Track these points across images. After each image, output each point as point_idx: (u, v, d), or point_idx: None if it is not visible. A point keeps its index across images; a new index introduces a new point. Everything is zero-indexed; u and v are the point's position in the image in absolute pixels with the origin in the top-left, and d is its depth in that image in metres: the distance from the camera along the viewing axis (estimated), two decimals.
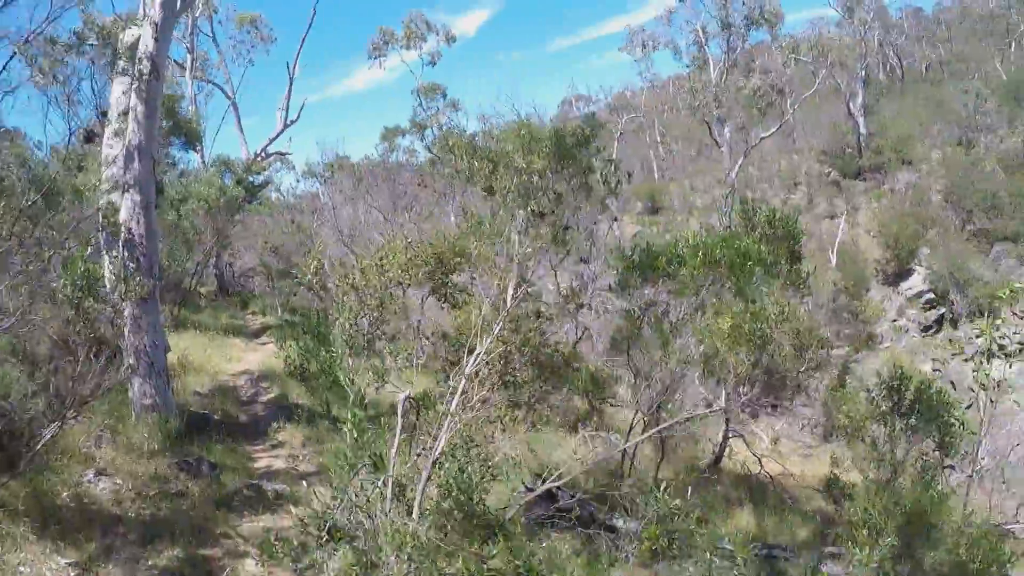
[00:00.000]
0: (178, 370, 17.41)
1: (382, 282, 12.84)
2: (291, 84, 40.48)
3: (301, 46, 41.68)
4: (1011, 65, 57.83)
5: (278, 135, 40.68)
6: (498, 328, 10.38)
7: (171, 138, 26.42)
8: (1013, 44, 62.80)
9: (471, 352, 10.17)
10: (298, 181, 46.14)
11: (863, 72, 51.24)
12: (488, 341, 10.07)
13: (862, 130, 50.46)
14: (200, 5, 41.18)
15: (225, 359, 21.46)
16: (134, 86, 13.56)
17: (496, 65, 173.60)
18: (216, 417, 15.73)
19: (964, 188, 43.16)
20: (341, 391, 18.19)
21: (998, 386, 12.12)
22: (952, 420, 14.95)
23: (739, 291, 13.22)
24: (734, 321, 11.89)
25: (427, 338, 15.73)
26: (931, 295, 42.24)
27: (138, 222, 13.45)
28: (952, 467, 16.97)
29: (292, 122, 40.85)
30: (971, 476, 16.05)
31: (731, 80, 38.59)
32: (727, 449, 19.17)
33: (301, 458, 14.71)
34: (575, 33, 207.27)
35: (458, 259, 13.89)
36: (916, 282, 42.90)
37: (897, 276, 43.72)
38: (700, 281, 13.75)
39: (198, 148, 26.74)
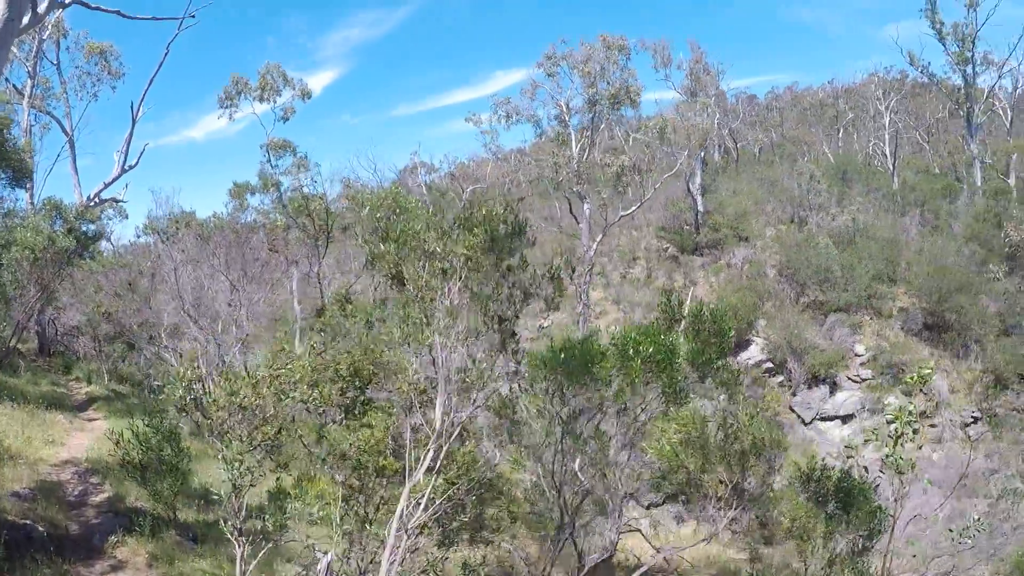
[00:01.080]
0: None
1: (281, 401, 10.05)
2: (133, 126, 36.68)
3: (148, 86, 37.72)
4: (838, 148, 60.76)
5: (114, 180, 36.89)
6: (430, 459, 8.07)
7: None
8: (840, 130, 66.21)
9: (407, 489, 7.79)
10: (138, 236, 41.77)
11: (702, 153, 51.77)
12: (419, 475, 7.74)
13: (700, 208, 50.67)
14: (49, 26, 37.23)
15: (47, 442, 18.20)
16: None
17: (340, 127, 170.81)
18: (40, 529, 12.61)
19: (798, 262, 43.93)
20: (188, 489, 15.48)
21: (912, 468, 11.19)
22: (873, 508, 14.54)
23: (670, 393, 11.37)
24: (687, 430, 9.98)
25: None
26: (769, 363, 42.45)
27: None
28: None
29: (131, 167, 37.08)
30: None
31: (591, 157, 37.80)
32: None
33: None
34: (420, 101, 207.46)
35: (375, 371, 11.39)
36: (755, 352, 43.05)
37: (736, 346, 43.21)
38: (624, 381, 11.77)
39: (27, 186, 22.71)
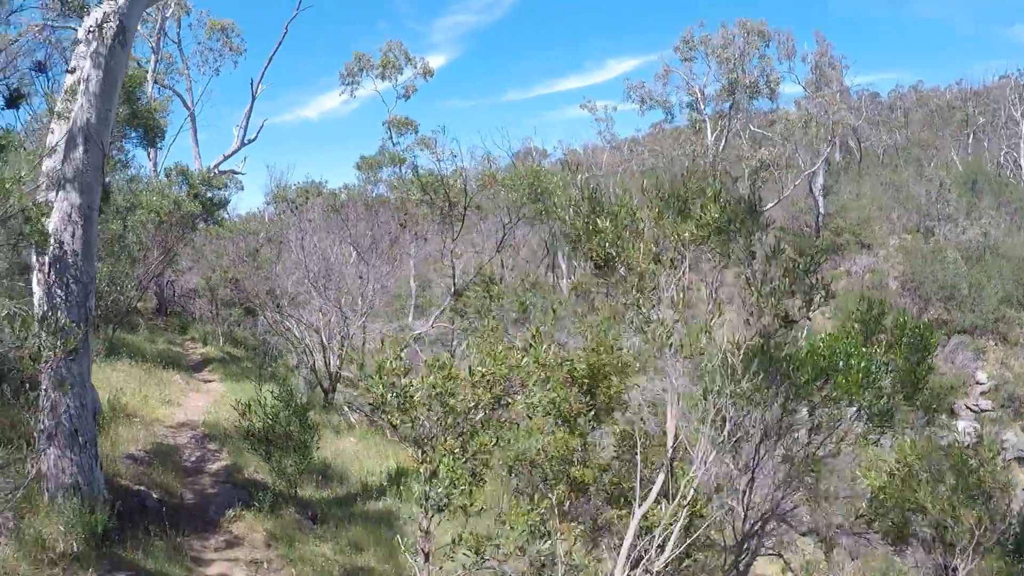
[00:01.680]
0: (108, 417, 13.19)
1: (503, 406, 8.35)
2: (253, 102, 36.89)
3: (268, 63, 38.08)
4: (967, 155, 56.63)
5: (233, 152, 36.87)
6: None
7: (126, 129, 21.17)
8: (970, 136, 61.76)
9: None
10: (267, 205, 41.04)
11: (827, 152, 48.70)
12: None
13: (821, 210, 47.73)
14: (172, 4, 36.93)
15: (163, 402, 17.24)
16: (91, 49, 9.45)
17: (451, 111, 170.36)
18: (155, 496, 11.43)
19: (923, 276, 40.43)
20: (310, 464, 14.22)
21: None
22: None
23: (875, 415, 9.52)
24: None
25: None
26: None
27: (74, 234, 9.37)
28: None
29: (250, 141, 37.15)
30: None
31: (725, 148, 35.61)
32: None
33: (267, 566, 10.52)
34: (530, 88, 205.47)
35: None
36: None
37: None
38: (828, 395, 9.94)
39: (157, 146, 21.97)
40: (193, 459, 14.04)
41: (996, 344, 39.05)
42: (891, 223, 48.03)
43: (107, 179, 19.05)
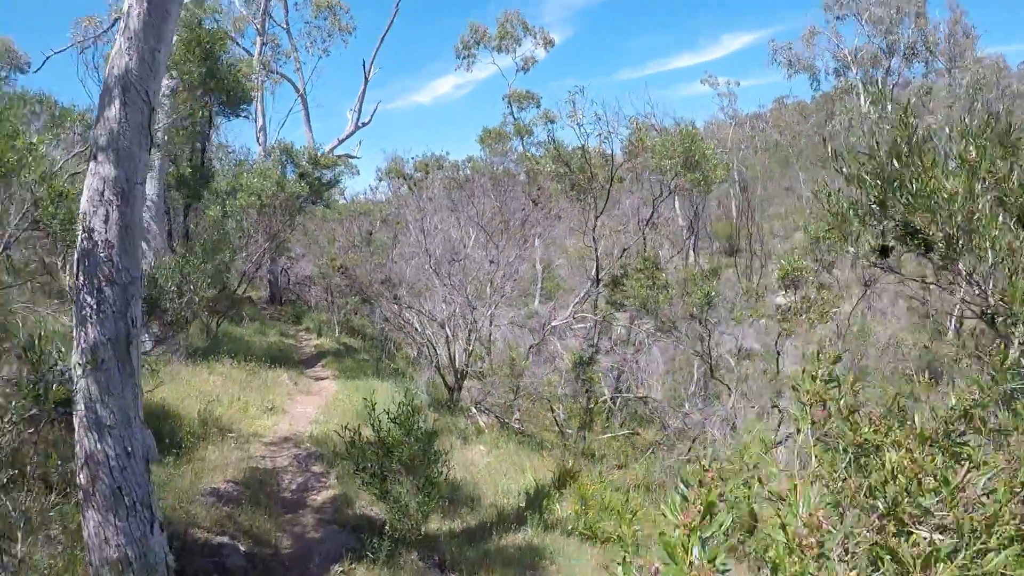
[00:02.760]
0: (197, 435, 10.25)
1: None
2: (366, 84, 34.26)
3: (380, 44, 35.44)
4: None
5: (348, 136, 34.30)
6: None
7: (208, 96, 17.12)
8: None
9: None
10: (379, 180, 37.62)
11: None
12: None
13: None
14: None
15: (265, 409, 14.28)
16: None
17: (565, 89, 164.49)
18: (241, 549, 8.34)
19: None
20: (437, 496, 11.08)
21: None
22: None
23: None
24: None
25: None
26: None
27: (107, 218, 6.23)
28: None
29: (364, 124, 34.61)
30: None
31: (883, 115, 30.82)
32: None
33: None
34: (643, 66, 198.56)
35: None
36: None
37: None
38: None
39: (243, 113, 18.71)
40: (294, 487, 10.96)
41: None
42: None
43: (211, 163, 15.94)
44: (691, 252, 34.27)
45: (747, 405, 16.35)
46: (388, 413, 9.66)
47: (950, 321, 29.48)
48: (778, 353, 13.97)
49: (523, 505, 13.40)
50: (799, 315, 11.94)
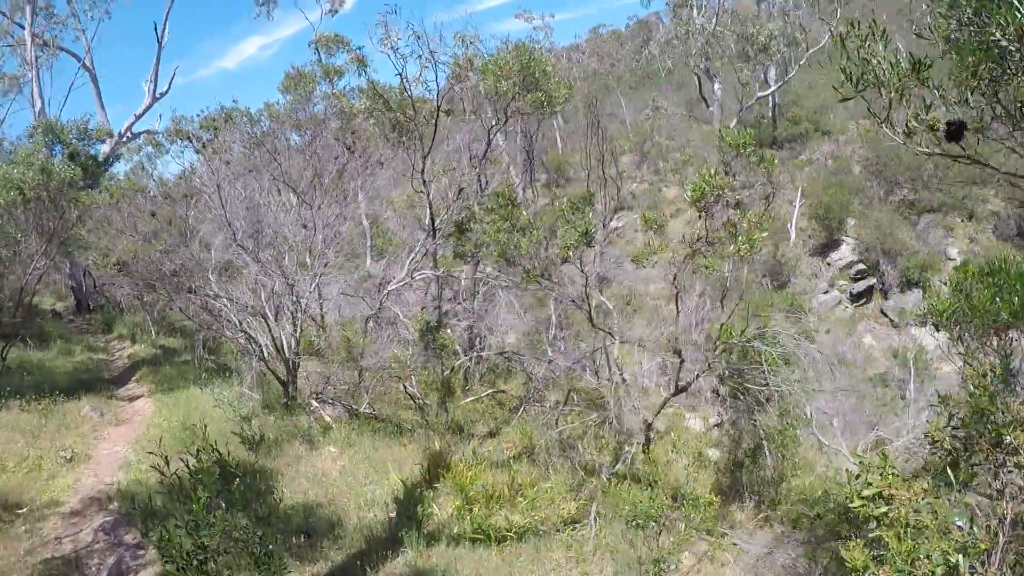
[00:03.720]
0: None
1: None
2: (160, 50, 29.85)
3: (171, 3, 30.46)
4: (911, 40, 52.35)
5: (146, 110, 29.94)
6: None
7: None
8: (912, 22, 57.11)
9: None
10: (177, 144, 31.56)
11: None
12: None
13: (776, 100, 41.79)
14: None
15: (64, 461, 10.99)
16: None
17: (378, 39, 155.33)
18: None
19: (888, 157, 36.34)
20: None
21: None
22: None
23: None
24: None
25: None
26: (861, 266, 35.56)
27: None
28: None
29: (162, 95, 30.23)
30: None
31: (720, 27, 28.84)
32: None
33: None
34: (453, 7, 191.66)
35: None
36: (845, 252, 36.26)
37: (825, 247, 36.45)
38: None
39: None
40: None
41: (964, 221, 36.06)
42: (847, 109, 43.17)
43: None
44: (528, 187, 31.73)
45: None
46: (188, 467, 6.43)
47: None
48: (677, 293, 11.63)
49: (394, 516, 10.60)
50: (721, 246, 9.47)
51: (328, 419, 14.12)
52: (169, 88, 30.34)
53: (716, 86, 30.66)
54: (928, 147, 5.28)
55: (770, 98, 35.53)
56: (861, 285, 35.14)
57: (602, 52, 53.26)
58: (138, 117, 29.92)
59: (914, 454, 17.07)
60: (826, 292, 35.78)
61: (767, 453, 12.47)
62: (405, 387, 14.82)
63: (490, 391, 17.08)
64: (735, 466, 13.87)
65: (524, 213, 11.53)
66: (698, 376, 11.49)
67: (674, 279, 10.94)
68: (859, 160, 38.59)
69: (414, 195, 19.15)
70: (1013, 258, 7.27)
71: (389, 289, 15.80)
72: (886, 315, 34.68)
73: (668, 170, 41.67)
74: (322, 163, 16.70)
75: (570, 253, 10.38)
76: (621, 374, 13.17)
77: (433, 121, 15.66)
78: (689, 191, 9.50)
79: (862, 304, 35.32)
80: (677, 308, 11.96)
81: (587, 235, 10.25)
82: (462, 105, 20.23)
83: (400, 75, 14.49)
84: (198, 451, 6.31)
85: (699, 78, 29.78)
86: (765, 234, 9.21)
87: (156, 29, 29.78)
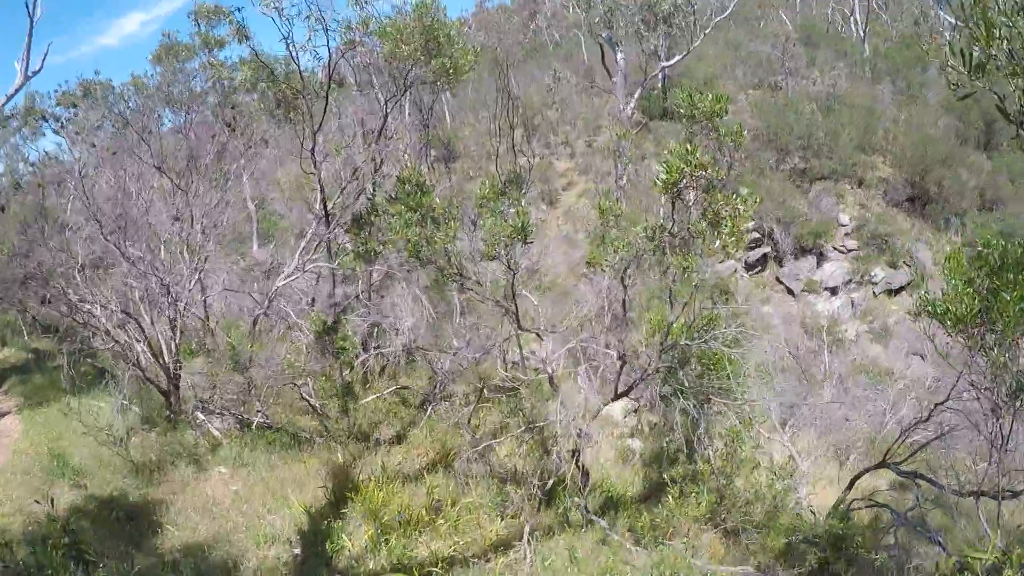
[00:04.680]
0: None
1: None
2: (32, 26, 26.00)
3: None
4: (796, 15, 55.07)
5: (18, 90, 26.00)
6: None
7: None
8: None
9: None
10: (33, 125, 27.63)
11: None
12: None
13: (666, 72, 41.33)
14: None
15: None
16: None
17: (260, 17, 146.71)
18: None
19: (779, 127, 36.69)
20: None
21: None
22: None
23: None
24: None
25: None
26: (755, 234, 35.24)
27: None
28: None
29: (35, 73, 26.40)
30: None
31: None
32: None
33: None
34: None
35: None
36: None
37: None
38: None
39: None
40: None
41: (853, 187, 37.04)
42: (736, 80, 43.55)
43: None
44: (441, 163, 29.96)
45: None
46: None
47: None
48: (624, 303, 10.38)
49: (299, 553, 9.12)
50: (704, 241, 8.25)
51: (217, 433, 12.36)
52: (42, 67, 27.01)
53: (619, 55, 29.59)
54: None
55: (659, 54, 34.82)
56: (756, 254, 35.05)
57: (489, 26, 51.79)
58: (9, 98, 26.64)
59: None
60: (721, 262, 35.86)
61: (707, 451, 11.54)
62: (302, 394, 13.19)
63: (393, 387, 15.58)
64: (670, 462, 12.89)
65: (438, 201, 10.04)
66: (642, 379, 10.34)
67: (622, 279, 9.71)
68: (750, 130, 38.51)
69: (303, 176, 17.30)
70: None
71: (278, 284, 14.03)
72: (782, 282, 35.04)
73: (559, 143, 41.01)
74: (200, 143, 14.70)
75: (497, 249, 9.00)
76: (544, 365, 11.90)
77: (323, 95, 13.81)
78: (662, 174, 8.20)
79: (757, 272, 35.46)
80: (625, 309, 10.71)
81: (523, 231, 8.86)
82: (355, 76, 18.43)
83: (286, 40, 12.57)
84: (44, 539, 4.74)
85: (602, 47, 28.67)
86: (751, 223, 8.12)
87: (27, 4, 26.56)
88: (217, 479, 11.00)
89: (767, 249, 35.16)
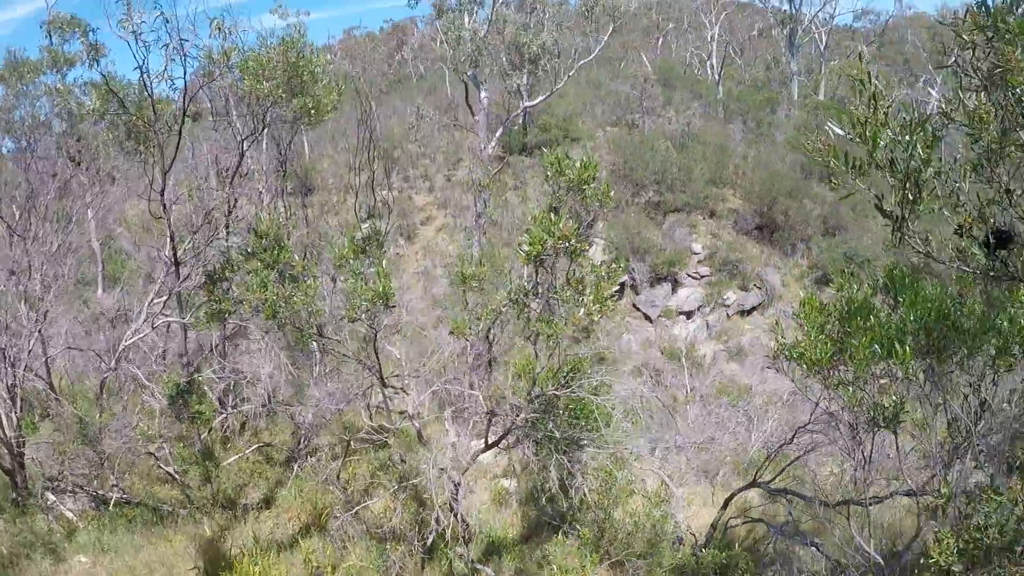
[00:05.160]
0: None
1: None
2: None
3: None
4: (656, 57, 57.49)
5: None
6: None
7: None
8: (659, 40, 63.42)
9: None
10: None
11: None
12: None
13: (527, 107, 41.72)
14: None
15: None
16: None
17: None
18: None
19: (636, 163, 38.33)
20: None
21: None
22: None
23: None
24: None
25: None
26: (612, 265, 35.90)
27: None
28: None
29: None
30: None
31: (492, 36, 27.05)
32: None
33: None
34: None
35: None
36: (597, 253, 37.29)
37: None
38: None
39: None
40: None
41: (705, 218, 38.97)
42: (595, 118, 45.00)
43: None
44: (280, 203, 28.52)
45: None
46: None
47: None
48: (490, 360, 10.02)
49: None
50: (570, 305, 7.98)
51: (71, 515, 11.18)
52: None
53: (483, 94, 29.57)
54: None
55: (522, 93, 35.12)
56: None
57: (355, 54, 51.19)
58: None
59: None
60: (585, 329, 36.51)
61: (583, 487, 11.40)
62: (159, 463, 12.14)
63: (256, 445, 14.65)
64: (547, 500, 12.62)
65: (297, 258, 9.41)
66: (510, 431, 10.01)
67: (490, 347, 9.40)
68: (607, 165, 39.61)
69: (151, 218, 16.06)
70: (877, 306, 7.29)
71: (125, 344, 12.91)
72: (639, 309, 36.34)
73: (418, 176, 40.79)
74: (40, 179, 13.35)
75: (359, 314, 8.46)
76: (409, 412, 11.43)
77: (176, 128, 12.78)
78: (525, 245, 7.93)
79: (615, 300, 36.26)
80: (491, 364, 10.40)
81: (385, 296, 8.32)
82: (211, 108, 17.44)
83: (141, 69, 11.58)
84: None
85: (467, 85, 28.60)
86: (617, 287, 7.98)
87: None
88: (78, 571, 9.89)
89: (624, 278, 36.12)
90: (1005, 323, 6.44)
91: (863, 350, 6.80)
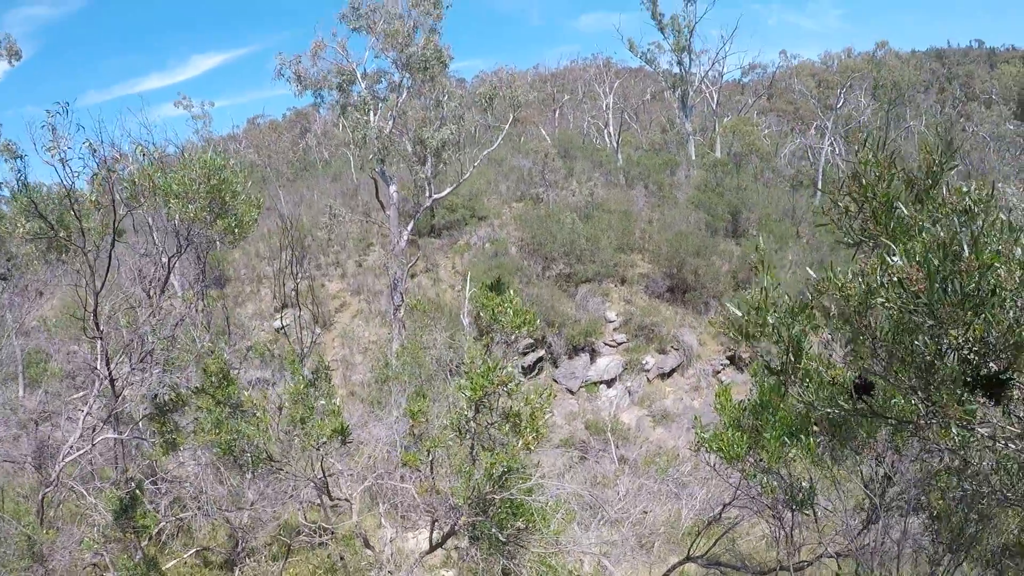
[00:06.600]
0: None
1: None
2: None
3: None
4: (554, 129, 60.11)
5: None
6: None
7: None
8: (556, 112, 66.13)
9: None
10: None
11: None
12: None
13: (432, 190, 42.86)
14: None
15: None
16: None
17: (22, 120, 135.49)
18: None
19: (543, 237, 39.22)
20: None
21: None
22: None
23: None
24: None
25: None
26: (528, 340, 37.08)
27: None
28: None
29: None
30: None
31: (397, 130, 28.25)
32: None
33: None
34: (110, 87, 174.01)
35: None
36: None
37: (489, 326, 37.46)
38: None
39: None
40: None
41: (617, 285, 39.91)
42: (500, 195, 46.34)
43: None
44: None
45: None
46: None
47: None
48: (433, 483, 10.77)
49: None
50: (510, 437, 8.78)
51: None
52: None
53: (392, 189, 30.64)
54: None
55: (427, 186, 36.34)
56: (531, 358, 36.41)
57: (260, 143, 51.74)
58: None
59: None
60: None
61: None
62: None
63: (194, 550, 14.89)
64: None
65: (247, 395, 10.07)
66: (452, 532, 10.71)
67: (431, 470, 10.12)
68: (515, 241, 40.76)
69: (77, 322, 16.18)
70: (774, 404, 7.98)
71: (65, 461, 13.20)
72: (559, 383, 36.41)
73: (330, 263, 41.32)
74: None
75: (313, 447, 9.18)
76: (349, 506, 12.00)
77: (109, 245, 13.22)
78: (467, 391, 8.72)
79: (534, 376, 36.66)
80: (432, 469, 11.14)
81: (343, 432, 9.10)
82: (133, 224, 17.87)
83: (68, 195, 12.06)
84: None
85: (376, 181, 29.70)
86: (552, 415, 8.83)
87: None
88: None
89: (541, 352, 36.70)
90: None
91: (774, 443, 7.71)
